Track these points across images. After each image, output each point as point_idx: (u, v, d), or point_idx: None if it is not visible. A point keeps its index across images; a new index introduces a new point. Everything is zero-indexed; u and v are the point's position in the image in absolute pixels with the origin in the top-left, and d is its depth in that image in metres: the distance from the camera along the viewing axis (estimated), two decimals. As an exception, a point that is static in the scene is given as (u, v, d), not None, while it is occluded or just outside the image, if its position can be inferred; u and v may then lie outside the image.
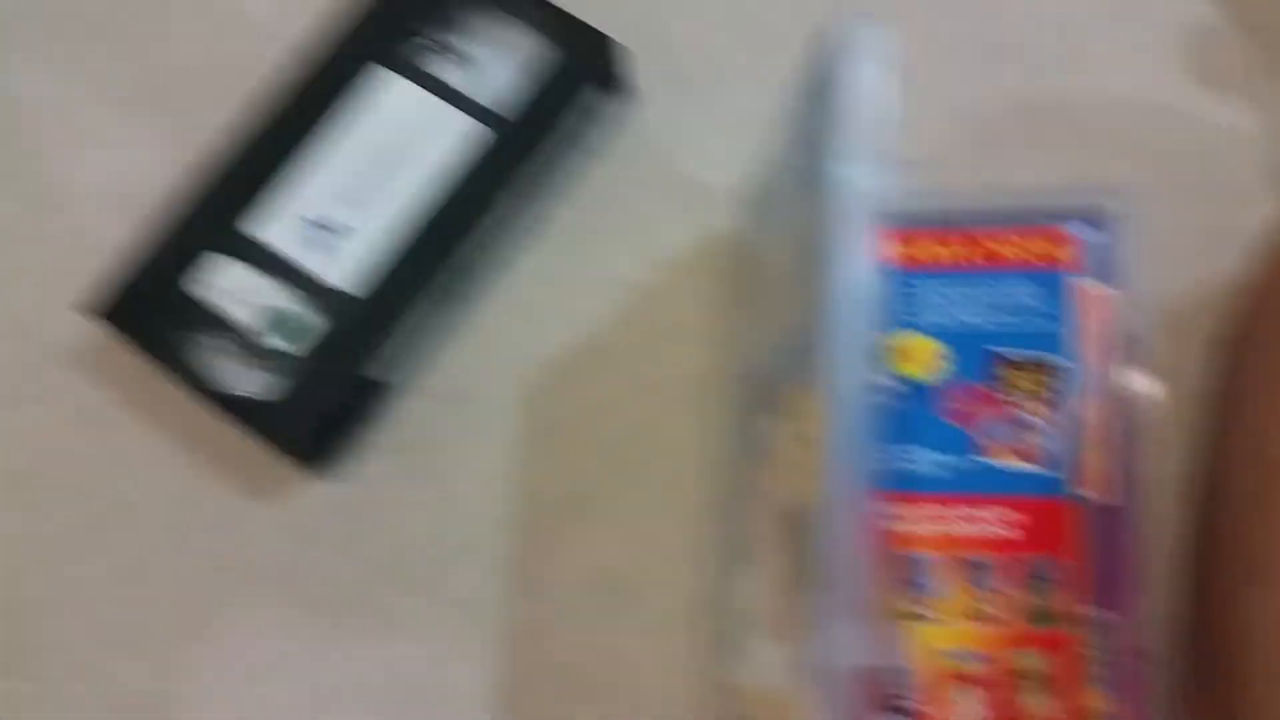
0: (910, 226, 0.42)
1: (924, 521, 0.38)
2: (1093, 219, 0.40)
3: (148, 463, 0.44)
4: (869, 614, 0.36)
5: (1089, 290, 0.40)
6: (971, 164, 0.45)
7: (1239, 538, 0.34)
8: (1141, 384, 0.38)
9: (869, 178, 0.30)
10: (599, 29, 0.44)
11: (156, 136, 0.48)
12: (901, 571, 0.38)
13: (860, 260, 0.29)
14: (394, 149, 0.44)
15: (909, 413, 0.39)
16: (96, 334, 0.43)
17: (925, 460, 0.39)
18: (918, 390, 0.40)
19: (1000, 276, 0.40)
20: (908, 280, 0.41)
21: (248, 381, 0.42)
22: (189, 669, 0.42)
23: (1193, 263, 0.42)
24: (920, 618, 0.38)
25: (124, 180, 0.47)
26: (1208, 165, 0.43)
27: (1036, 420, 0.38)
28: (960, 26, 0.46)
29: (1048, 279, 0.40)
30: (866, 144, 0.30)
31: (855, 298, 0.29)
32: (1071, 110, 0.45)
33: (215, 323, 0.42)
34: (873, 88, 0.30)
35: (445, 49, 0.46)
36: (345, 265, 0.43)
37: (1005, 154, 0.45)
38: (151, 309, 0.43)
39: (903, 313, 0.41)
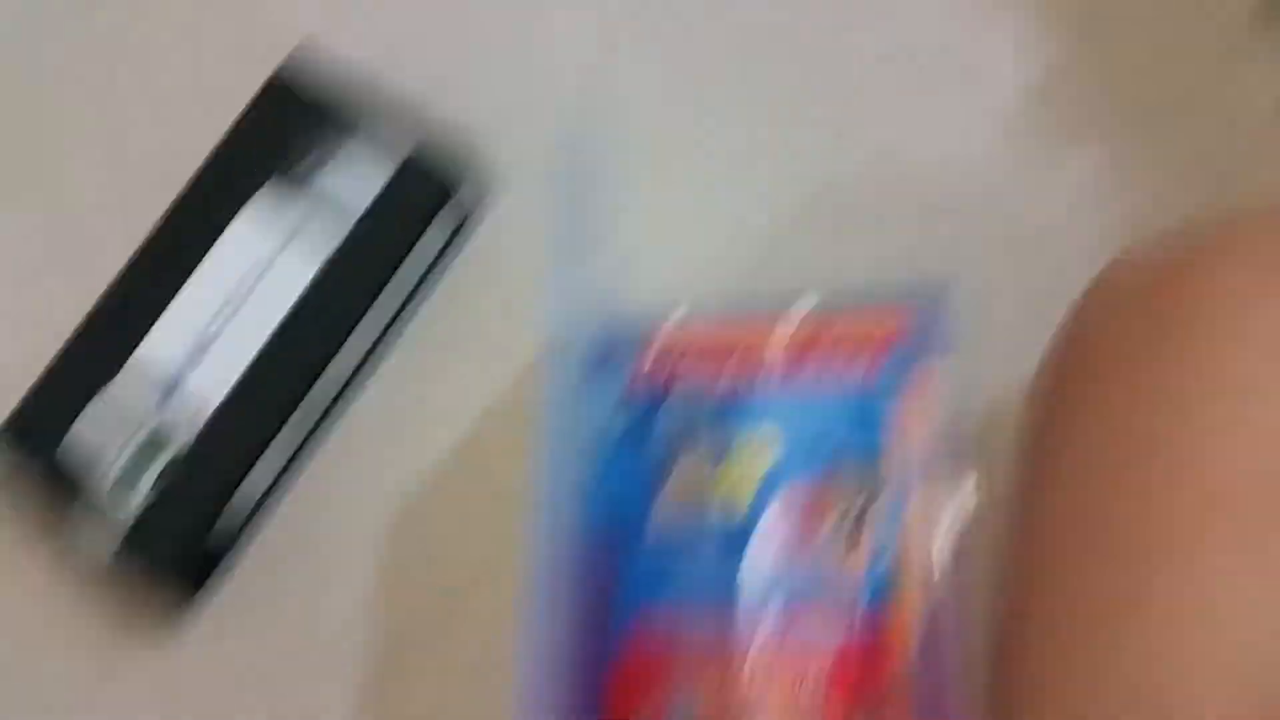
0: (732, 322, 0.41)
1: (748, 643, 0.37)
2: (925, 305, 0.39)
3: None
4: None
5: (917, 382, 0.38)
6: (809, 246, 0.44)
7: (1009, 657, 0.30)
8: (968, 481, 0.37)
9: (583, 288, 0.29)
10: (444, 145, 0.45)
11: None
12: (731, 696, 0.37)
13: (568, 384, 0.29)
14: (241, 292, 0.45)
15: (732, 531, 0.38)
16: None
17: (751, 581, 0.37)
18: (741, 507, 0.38)
19: (829, 377, 0.39)
20: (734, 385, 0.40)
21: (114, 520, 0.43)
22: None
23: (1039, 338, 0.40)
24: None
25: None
26: (1045, 237, 0.42)
27: (862, 533, 0.37)
28: (802, 107, 0.46)
29: (878, 376, 0.38)
30: (580, 248, 0.29)
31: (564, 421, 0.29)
32: (908, 185, 0.44)
33: (86, 463, 0.43)
34: (586, 194, 0.30)
35: (297, 184, 0.46)
36: (202, 406, 0.44)
37: (846, 232, 0.44)
38: (30, 449, 0.44)
39: (729, 419, 0.39)
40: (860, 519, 0.37)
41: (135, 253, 0.46)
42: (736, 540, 0.38)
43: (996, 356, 0.39)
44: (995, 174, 0.43)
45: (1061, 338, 0.33)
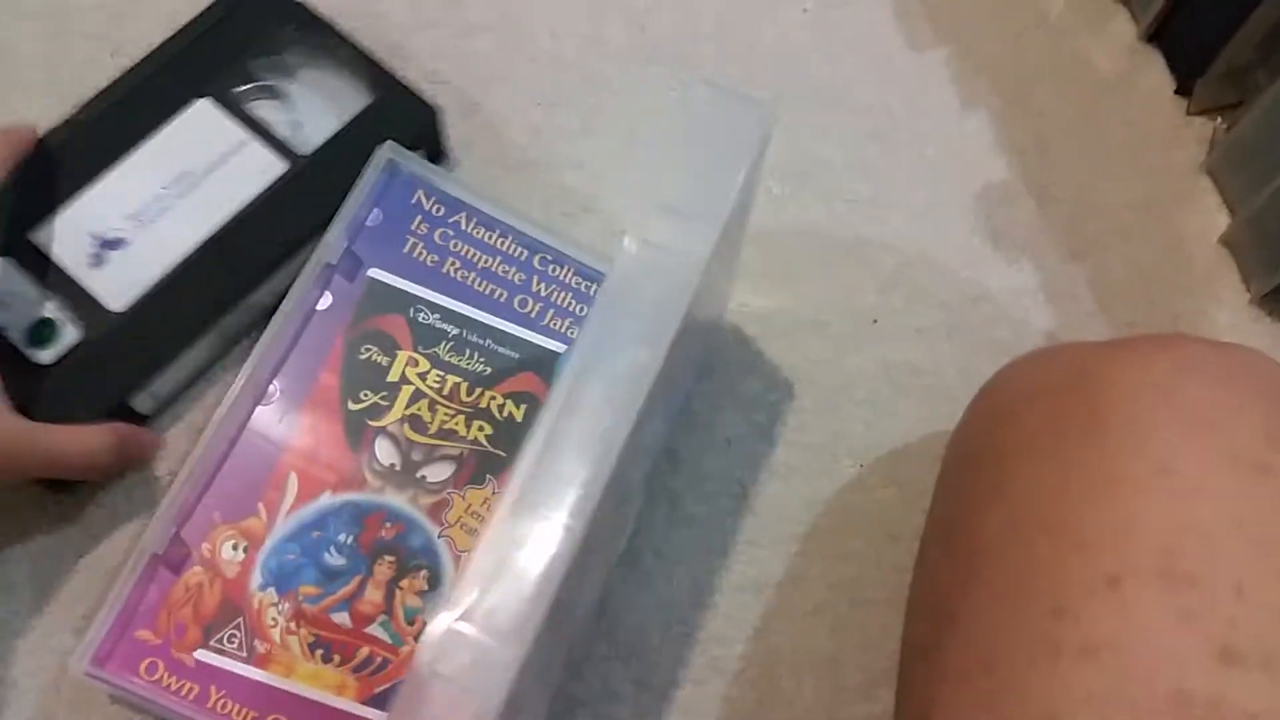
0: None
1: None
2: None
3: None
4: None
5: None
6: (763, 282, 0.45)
7: (914, 691, 0.31)
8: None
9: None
10: (418, 91, 0.44)
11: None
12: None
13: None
14: (195, 176, 0.42)
15: None
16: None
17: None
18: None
19: None
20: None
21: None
22: None
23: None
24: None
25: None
26: (987, 320, 0.44)
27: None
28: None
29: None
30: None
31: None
32: (865, 249, 0.45)
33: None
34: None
35: (267, 88, 0.44)
36: (124, 286, 0.41)
37: (797, 278, 0.45)
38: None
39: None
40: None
41: (81, 107, 0.43)
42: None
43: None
44: (944, 259, 0.45)
45: (982, 412, 0.34)
